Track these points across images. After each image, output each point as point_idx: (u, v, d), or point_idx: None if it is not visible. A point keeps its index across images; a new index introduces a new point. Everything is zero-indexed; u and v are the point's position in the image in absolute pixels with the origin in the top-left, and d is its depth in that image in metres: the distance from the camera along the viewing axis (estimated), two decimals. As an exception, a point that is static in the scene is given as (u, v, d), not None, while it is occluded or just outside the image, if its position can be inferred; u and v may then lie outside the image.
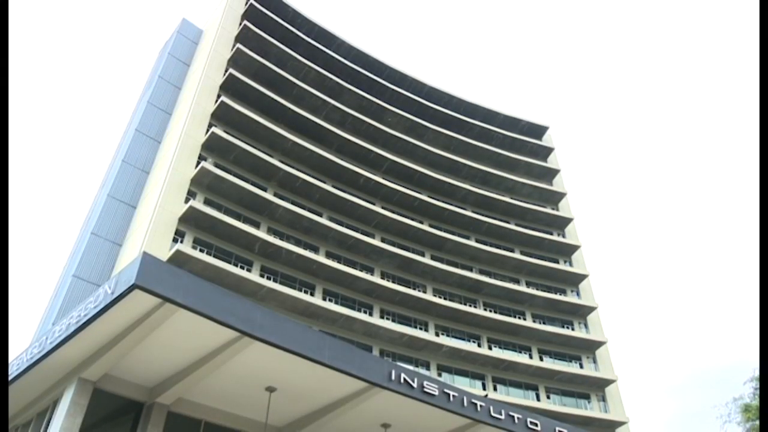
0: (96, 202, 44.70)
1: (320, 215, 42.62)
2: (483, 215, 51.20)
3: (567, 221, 55.43)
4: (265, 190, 40.88)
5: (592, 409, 43.94)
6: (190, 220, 35.94)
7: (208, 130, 40.21)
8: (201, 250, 35.30)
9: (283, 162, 42.57)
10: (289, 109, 44.67)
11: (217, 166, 39.11)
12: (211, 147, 39.99)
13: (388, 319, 41.46)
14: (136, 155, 43.87)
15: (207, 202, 37.91)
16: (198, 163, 38.47)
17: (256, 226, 39.20)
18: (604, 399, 45.04)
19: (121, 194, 42.29)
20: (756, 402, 27.66)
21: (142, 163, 43.82)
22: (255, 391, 16.43)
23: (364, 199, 45.51)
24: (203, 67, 43.16)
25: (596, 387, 45.20)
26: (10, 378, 16.20)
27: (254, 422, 17.47)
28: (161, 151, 43.10)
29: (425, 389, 17.05)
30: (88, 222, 43.23)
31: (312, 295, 38.71)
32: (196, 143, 39.56)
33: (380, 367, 16.94)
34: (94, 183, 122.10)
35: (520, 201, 54.54)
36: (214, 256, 35.30)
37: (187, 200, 36.56)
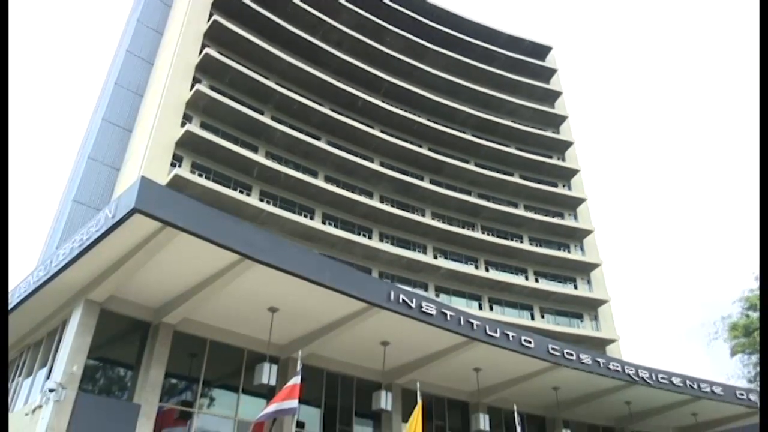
0: (91, 127, 44.17)
1: (318, 139, 42.23)
2: (483, 139, 50.76)
3: (567, 145, 55.06)
4: (262, 113, 40.27)
5: (584, 328, 45.46)
6: (187, 144, 35.63)
7: (201, 51, 39.09)
8: (199, 175, 35.24)
9: (279, 84, 41.66)
10: (285, 28, 43.21)
11: (212, 88, 38.33)
12: (205, 69, 39.01)
13: (387, 242, 42.02)
14: (129, 78, 42.86)
15: (203, 126, 37.46)
16: (193, 85, 37.68)
17: (254, 150, 38.93)
18: (596, 318, 46.51)
19: (115, 118, 41.68)
20: (743, 321, 28.57)
21: (136, 85, 42.87)
22: (258, 311, 16.88)
23: (362, 123, 44.94)
24: (194, -17, 41.33)
25: (589, 307, 46.55)
26: (18, 299, 16.60)
27: (258, 340, 18.06)
28: (154, 74, 42.09)
29: (423, 309, 17.51)
30: (84, 146, 42.91)
31: (311, 219, 39.02)
32: (189, 65, 38.57)
33: (379, 288, 17.32)
34: (88, 106, 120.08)
35: (521, 124, 53.89)
36: (213, 181, 35.29)
37: (183, 124, 36.12)
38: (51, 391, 13.91)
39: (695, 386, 24.37)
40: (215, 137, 36.19)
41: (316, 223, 38.46)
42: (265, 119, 39.40)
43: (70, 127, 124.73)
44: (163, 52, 42.76)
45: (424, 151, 46.95)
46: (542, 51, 61.42)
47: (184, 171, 34.28)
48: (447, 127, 49.56)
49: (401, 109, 47.87)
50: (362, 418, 20.71)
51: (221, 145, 35.96)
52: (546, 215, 49.52)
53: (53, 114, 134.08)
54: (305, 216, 38.71)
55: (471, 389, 22.83)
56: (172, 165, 34.68)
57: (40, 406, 14.28)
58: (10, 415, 16.69)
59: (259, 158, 37.72)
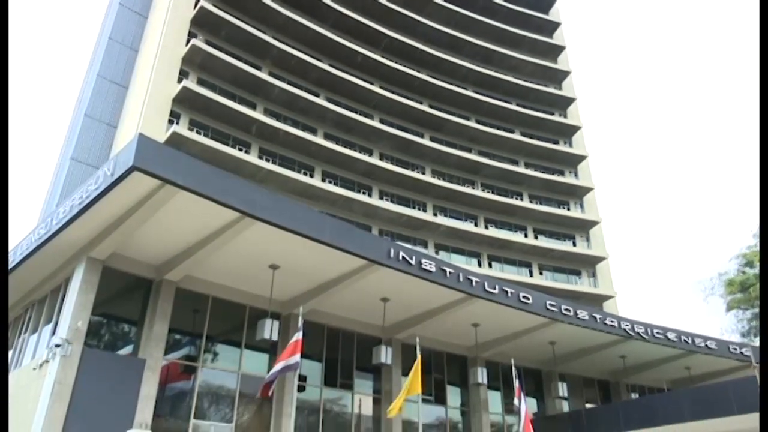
0: (86, 83, 43.56)
1: (317, 96, 41.68)
2: (484, 95, 50.11)
3: (570, 101, 54.42)
4: (259, 69, 39.62)
5: (582, 285, 45.95)
6: (184, 101, 35.20)
7: (196, 5, 38.20)
8: (198, 132, 34.94)
9: (276, 39, 40.82)
10: (281, -20, 42.02)
11: (208, 43, 37.61)
12: (201, 23, 38.19)
13: (386, 199, 42.02)
14: (123, 32, 42.00)
15: (200, 82, 36.92)
16: (188, 40, 36.93)
17: (252, 107, 38.48)
18: (594, 275, 46.96)
19: (111, 74, 41.06)
20: (740, 277, 28.85)
21: (130, 40, 42.06)
22: (259, 268, 17.02)
23: (362, 79, 44.27)
24: (186, -68, 39.95)
25: (587, 264, 46.93)
26: (21, 257, 16.70)
27: (259, 297, 18.28)
28: (149, 28, 41.23)
29: (423, 266, 17.66)
30: (80, 103, 42.43)
31: (311, 176, 38.90)
32: (184, 19, 37.74)
33: (379, 246, 17.42)
34: (83, 62, 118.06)
35: (523, 80, 53.07)
36: (212, 138, 35.01)
37: (179, 80, 35.59)
38: (57, 346, 14.17)
39: (690, 341, 24.82)
40: (212, 94, 35.71)
41: (316, 181, 38.36)
42: (263, 75, 38.80)
43: (66, 83, 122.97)
44: (158, 4, 41.75)
45: (425, 107, 46.41)
46: (545, 3, 59.93)
47: (182, 128, 33.97)
48: (448, 83, 48.84)
49: (401, 65, 47.08)
50: (363, 371, 21.19)
51: (219, 101, 35.51)
52: (546, 172, 49.35)
53: (49, 69, 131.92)
54: (305, 174, 38.58)
55: (469, 344, 23.26)
56: (170, 122, 34.34)
57: (47, 361, 14.56)
58: (18, 371, 17.05)
59: (258, 115, 37.32)
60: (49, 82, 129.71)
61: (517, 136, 49.40)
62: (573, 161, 51.44)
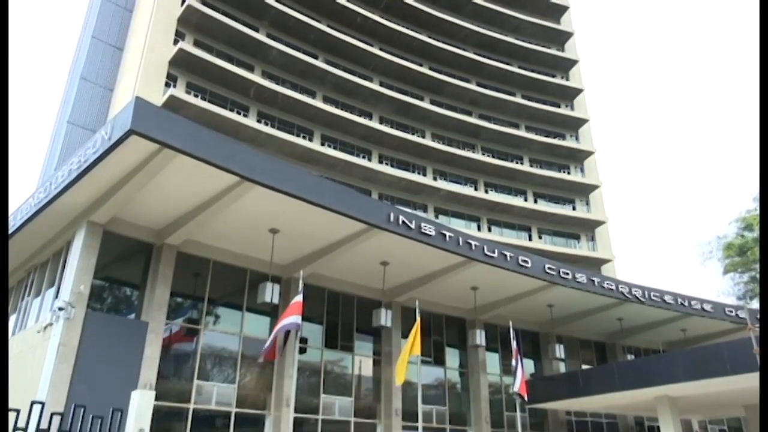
0: (81, 45, 42.84)
1: (316, 58, 41.06)
2: (485, 57, 49.35)
3: (572, 63, 53.65)
4: (257, 30, 38.92)
5: (581, 248, 46.19)
6: (180, 63, 34.70)
7: (191, -37, 37.22)
8: (195, 95, 34.55)
9: (274, -1, 39.95)
10: (278, -63, 40.87)
11: (204, 4, 36.86)
12: (196, -18, 37.31)
13: (386, 163, 41.86)
14: (117, -9, 41.12)
15: (197, 44, 36.33)
16: (183, 0, 36.17)
17: (250, 69, 37.97)
18: (593, 239, 47.16)
19: (105, 36, 40.36)
20: (738, 241, 28.96)
21: (124, 0, 41.21)
22: (259, 232, 17.06)
23: (361, 41, 43.53)
24: None
25: (587, 228, 47.07)
26: (21, 221, 16.73)
27: (260, 261, 18.39)
28: (143, -13, 40.27)
29: (422, 230, 17.70)
30: (75, 66, 41.83)
31: (310, 140, 38.65)
32: (179, -22, 36.85)
33: (379, 210, 17.42)
34: (77, 23, 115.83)
35: (525, 42, 52.18)
36: (209, 102, 34.66)
37: (176, 42, 35.00)
38: (60, 309, 14.32)
39: (686, 304, 25.10)
40: (209, 56, 35.16)
41: (315, 145, 38.13)
42: (261, 36, 38.13)
43: (61, 44, 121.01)
44: (152, -36, 40.73)
45: (425, 70, 45.77)
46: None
47: (179, 91, 33.57)
48: (448, 44, 48.05)
49: (401, 26, 46.23)
50: (363, 334, 21.49)
51: (216, 63, 35.00)
52: (547, 136, 49.03)
53: (43, 29, 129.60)
54: (304, 137, 38.32)
55: (468, 307, 23.53)
56: (167, 85, 33.92)
57: (51, 324, 14.74)
58: (22, 333, 17.28)
59: (256, 78, 36.83)
60: (43, 42, 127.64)
61: (518, 99, 48.88)
62: (574, 124, 51.04)
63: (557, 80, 51.74)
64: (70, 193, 14.73)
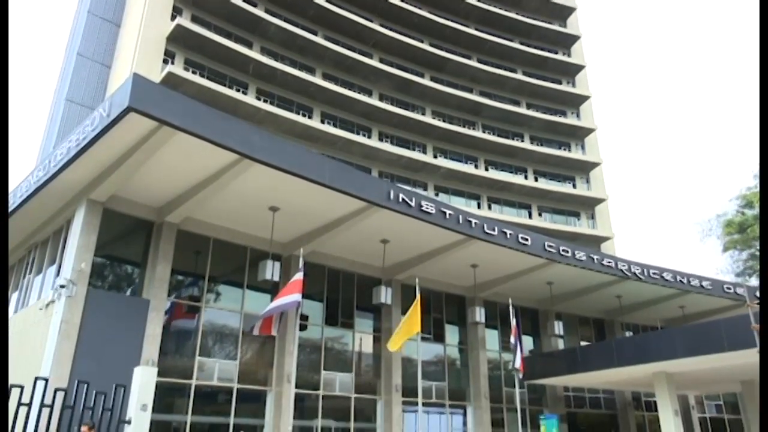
0: (77, 20, 42.30)
1: (315, 34, 40.59)
2: (486, 33, 48.78)
3: (574, 39, 53.07)
4: (255, 6, 38.42)
5: (580, 226, 46.22)
6: (178, 39, 34.31)
7: (187, -63, 36.58)
8: (194, 72, 34.24)
9: (272, -27, 39.35)
10: None
11: (201, -22, 36.26)
12: (193, -44, 36.71)
13: (386, 141, 41.66)
14: (113, -34, 40.49)
15: (194, 20, 35.89)
16: (180, -25, 35.61)
17: (249, 45, 37.56)
18: (593, 217, 47.15)
19: (102, 11, 39.85)
20: (738, 218, 28.90)
21: (120, -25, 40.60)
22: (259, 210, 17.07)
23: (361, 16, 42.97)
24: None
25: (587, 206, 47.03)
26: (21, 199, 16.71)
27: (260, 239, 18.42)
28: (139, -38, 39.55)
29: (423, 208, 17.70)
30: (72, 42, 41.37)
31: (310, 118, 38.41)
32: (176, -48, 36.20)
33: (379, 187, 17.40)
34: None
35: (527, 17, 51.53)
36: (208, 79, 34.34)
37: (173, 17, 34.57)
38: (62, 287, 14.39)
39: (685, 281, 25.21)
40: (207, 32, 34.74)
41: (315, 123, 37.89)
42: (259, 11, 37.63)
43: (57, 20, 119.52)
44: (147, -63, 39.99)
45: (425, 46, 45.28)
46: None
47: (178, 68, 33.24)
48: (449, 20, 47.43)
49: (402, 1, 45.57)
50: (363, 311, 21.65)
51: (214, 39, 34.60)
52: (548, 114, 48.71)
53: (39, 5, 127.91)
54: (303, 115, 38.07)
55: (468, 284, 23.65)
56: (165, 62, 33.58)
57: (53, 301, 14.83)
58: (24, 310, 17.40)
59: (255, 54, 36.45)
60: (39, 18, 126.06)
61: (519, 76, 48.44)
62: (575, 102, 50.67)
63: (559, 56, 51.23)
64: (69, 171, 14.69)
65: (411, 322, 16.08)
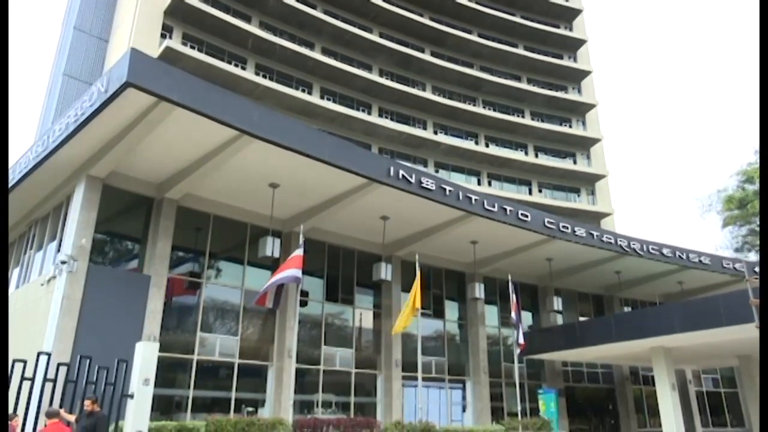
0: (73, -6, 41.66)
1: (314, 8, 40.03)
2: (487, 6, 48.10)
3: (576, 12, 52.38)
4: (253, -22, 37.79)
5: (580, 202, 46.19)
6: (176, 13, 33.86)
7: None
8: (192, 47, 33.86)
9: (270, -55, 38.62)
10: None
11: (198, -50, 35.58)
12: (189, -73, 35.96)
13: (386, 117, 41.39)
14: (108, -62, 39.73)
15: (192, -7, 35.30)
16: (177, -54, 34.92)
17: (248, 20, 37.08)
18: (593, 193, 47.09)
19: (98, -16, 39.18)
20: (739, 194, 28.86)
21: (116, -53, 39.88)
22: (259, 187, 17.03)
23: (360, -11, 42.29)
24: None
25: (587, 182, 46.93)
26: (20, 175, 16.67)
27: (260, 215, 18.43)
28: (135, -67, 38.79)
29: (423, 184, 17.66)
30: (68, 16, 40.82)
31: (309, 93, 38.10)
32: (172, -77, 35.46)
33: (379, 164, 17.33)
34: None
35: (528, -10, 50.72)
36: (206, 54, 33.97)
37: (170, -9, 34.05)
38: (63, 263, 14.44)
39: (684, 256, 25.29)
40: (205, 5, 34.27)
41: (314, 98, 37.59)
42: (257, -15, 37.08)
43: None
44: None
45: (426, 20, 44.67)
46: None
47: (176, 43, 32.86)
48: (450, -7, 46.71)
49: (401, -26, 44.88)
50: (363, 287, 21.76)
51: (212, 14, 34.15)
52: (549, 89, 48.28)
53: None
54: (303, 91, 37.76)
55: (468, 260, 23.72)
56: (162, 36, 33.20)
57: (54, 277, 14.89)
58: (26, 286, 17.48)
59: (253, 29, 36.00)
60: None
61: (520, 51, 47.89)
62: (576, 77, 50.21)
63: (560, 30, 50.59)
64: (68, 146, 14.62)
65: (413, 299, 16.20)
